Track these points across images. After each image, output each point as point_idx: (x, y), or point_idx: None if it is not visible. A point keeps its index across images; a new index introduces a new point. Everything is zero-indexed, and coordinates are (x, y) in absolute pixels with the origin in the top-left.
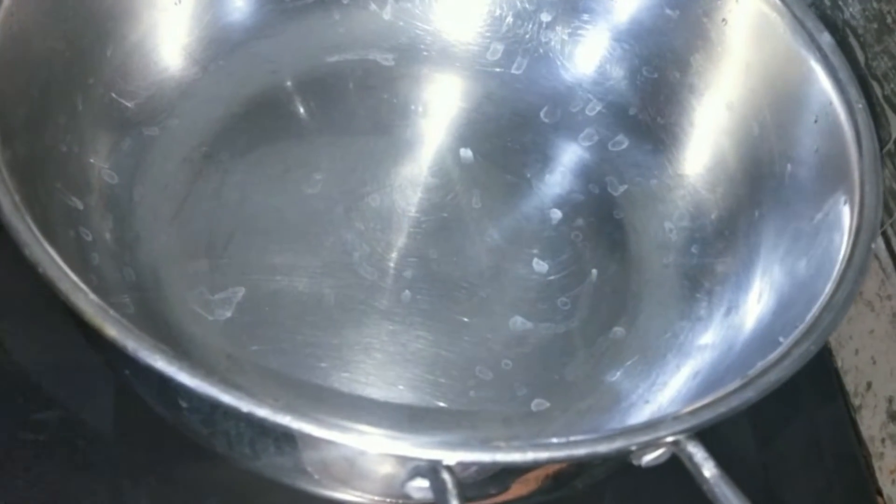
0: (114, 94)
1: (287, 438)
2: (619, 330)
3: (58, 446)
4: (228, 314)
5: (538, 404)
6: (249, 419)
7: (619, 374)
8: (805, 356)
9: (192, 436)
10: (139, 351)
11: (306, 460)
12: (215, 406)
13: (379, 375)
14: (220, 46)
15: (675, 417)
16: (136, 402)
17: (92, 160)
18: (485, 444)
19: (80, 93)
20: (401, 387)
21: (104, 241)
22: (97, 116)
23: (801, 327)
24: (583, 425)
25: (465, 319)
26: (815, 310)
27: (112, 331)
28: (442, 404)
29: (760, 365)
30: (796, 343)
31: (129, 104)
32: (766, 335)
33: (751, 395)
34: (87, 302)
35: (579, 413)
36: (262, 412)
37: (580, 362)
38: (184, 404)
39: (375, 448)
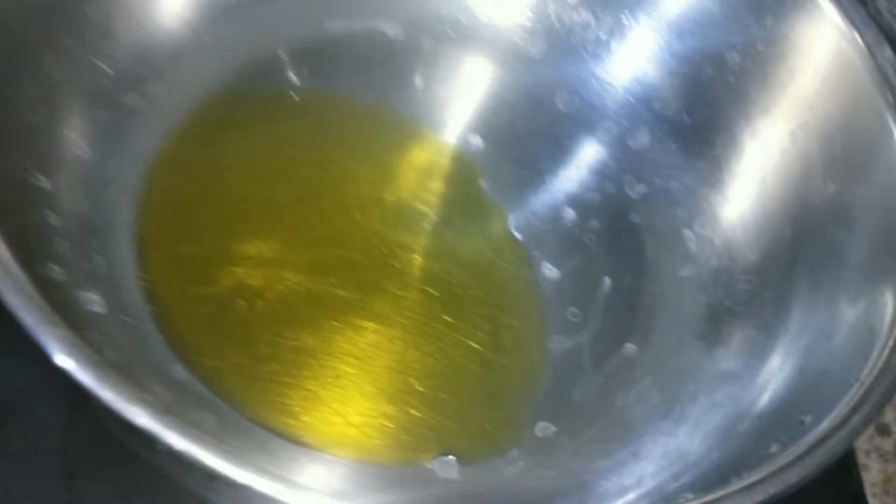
0: (93, 59)
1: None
2: (630, 347)
3: None
4: (208, 312)
5: (543, 428)
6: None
7: (631, 397)
8: (866, 420)
9: None
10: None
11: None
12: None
13: (368, 388)
14: (214, 7)
15: None
16: None
17: (64, 132)
18: None
19: (54, 55)
20: (390, 405)
21: (73, 225)
22: (73, 83)
23: (865, 377)
24: (592, 455)
25: (467, 327)
26: (875, 353)
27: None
28: (433, 421)
29: (811, 435)
30: (857, 402)
31: (109, 70)
32: (802, 369)
33: (794, 479)
34: None
35: (589, 440)
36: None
37: (589, 382)
38: None
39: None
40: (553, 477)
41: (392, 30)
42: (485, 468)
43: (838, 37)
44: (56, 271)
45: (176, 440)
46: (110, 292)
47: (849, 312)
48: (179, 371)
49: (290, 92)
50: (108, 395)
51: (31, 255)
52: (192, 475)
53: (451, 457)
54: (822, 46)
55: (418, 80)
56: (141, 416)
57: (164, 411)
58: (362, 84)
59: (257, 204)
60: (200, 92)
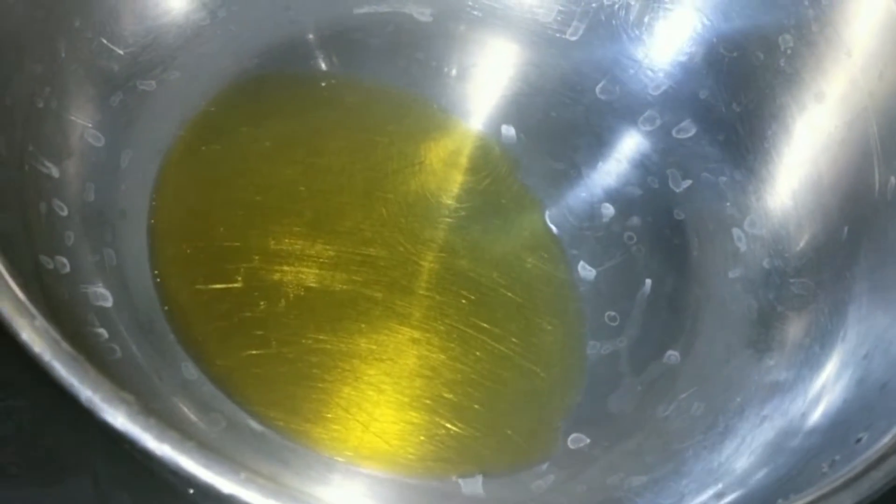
0: (104, 40)
1: None
2: (672, 354)
3: None
4: (223, 309)
5: (576, 440)
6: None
7: (671, 408)
8: None
9: None
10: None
11: None
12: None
13: (391, 393)
14: None
15: None
16: None
17: (74, 118)
18: None
19: (63, 37)
20: (415, 413)
21: (82, 216)
22: (83, 66)
23: None
24: (628, 470)
25: (497, 331)
26: None
27: None
28: (458, 431)
29: (867, 454)
30: None
31: (121, 52)
32: (860, 381)
33: (847, 502)
34: None
35: (625, 454)
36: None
37: (627, 391)
38: None
39: None
40: (584, 493)
41: (420, 13)
42: (512, 482)
43: None
44: (63, 264)
45: (154, 445)
46: (120, 287)
47: None
48: (190, 370)
49: (317, 79)
50: (86, 392)
51: (35, 246)
52: None
53: (477, 476)
54: (884, 27)
55: (448, 67)
56: (118, 417)
57: (145, 411)
58: (391, 71)
59: (277, 196)
60: (220, 78)
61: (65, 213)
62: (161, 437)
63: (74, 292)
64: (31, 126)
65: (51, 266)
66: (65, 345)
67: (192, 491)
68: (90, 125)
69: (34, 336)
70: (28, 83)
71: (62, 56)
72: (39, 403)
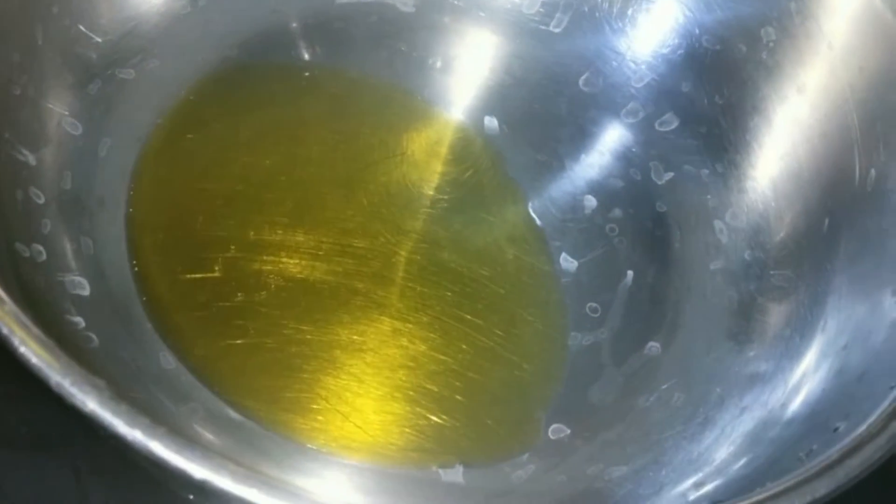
0: (82, 27)
1: None
2: (654, 346)
3: None
4: (202, 299)
5: (557, 430)
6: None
7: (652, 399)
8: None
9: None
10: None
11: None
12: None
13: (372, 383)
14: None
15: None
16: None
17: (51, 105)
18: None
19: (40, 24)
20: (396, 403)
21: (60, 205)
22: (60, 53)
23: None
24: (608, 460)
25: (479, 322)
26: None
27: None
28: (439, 421)
29: (843, 442)
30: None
31: (100, 40)
32: (839, 371)
33: (823, 490)
34: None
35: (606, 444)
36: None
37: (608, 382)
38: None
39: None
40: (564, 483)
41: (404, 4)
42: (493, 472)
43: (883, 11)
44: (39, 252)
45: (125, 430)
46: (97, 275)
47: (891, 308)
48: (168, 359)
49: (299, 69)
50: (55, 377)
51: (11, 234)
52: None
53: (457, 466)
54: (864, 20)
55: (432, 58)
56: (88, 403)
57: (116, 397)
58: (374, 62)
59: (258, 186)
60: (200, 67)
61: (41, 200)
62: (132, 423)
63: (51, 280)
64: (8, 113)
65: (27, 254)
66: (35, 329)
67: (191, 497)
68: (67, 113)
69: (4, 320)
70: (4, 70)
71: (39, 43)
72: (21, 391)
